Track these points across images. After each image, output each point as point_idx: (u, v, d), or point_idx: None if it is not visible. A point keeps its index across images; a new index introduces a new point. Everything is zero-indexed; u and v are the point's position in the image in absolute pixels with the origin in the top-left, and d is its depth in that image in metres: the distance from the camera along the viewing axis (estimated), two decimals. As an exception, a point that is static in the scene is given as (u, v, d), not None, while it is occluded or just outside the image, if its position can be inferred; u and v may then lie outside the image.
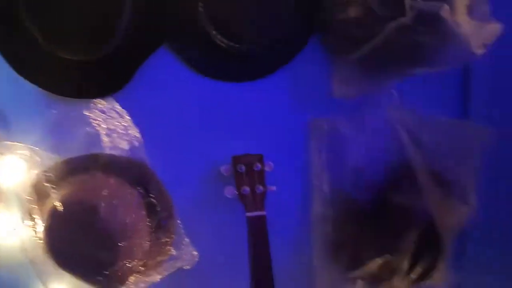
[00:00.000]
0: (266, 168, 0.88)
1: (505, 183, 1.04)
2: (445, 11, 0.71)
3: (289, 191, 0.96)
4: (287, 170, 0.95)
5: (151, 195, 0.80)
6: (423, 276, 0.95)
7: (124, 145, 0.80)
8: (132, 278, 0.77)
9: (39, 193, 0.75)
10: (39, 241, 0.75)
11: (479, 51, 0.76)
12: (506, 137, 0.97)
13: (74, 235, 0.72)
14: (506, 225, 1.05)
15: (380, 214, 0.94)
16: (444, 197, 0.95)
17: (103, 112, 0.81)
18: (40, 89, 0.81)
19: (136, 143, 0.80)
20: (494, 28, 0.81)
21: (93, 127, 0.81)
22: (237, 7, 0.83)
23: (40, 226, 0.73)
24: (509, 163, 1.02)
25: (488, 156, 0.94)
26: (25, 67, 0.80)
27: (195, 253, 0.86)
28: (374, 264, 0.92)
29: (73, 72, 0.81)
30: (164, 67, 0.88)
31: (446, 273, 0.97)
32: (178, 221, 0.86)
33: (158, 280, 0.82)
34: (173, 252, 0.84)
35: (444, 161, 0.96)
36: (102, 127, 0.80)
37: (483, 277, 1.06)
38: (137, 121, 0.83)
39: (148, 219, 0.78)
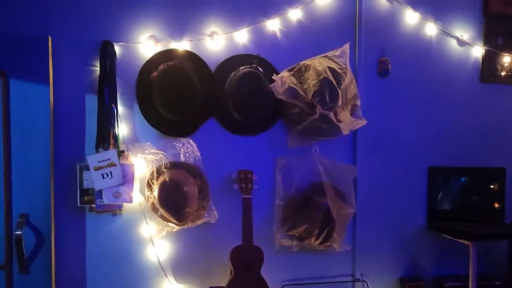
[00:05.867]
0: (253, 178, 1.87)
1: (369, 196, 2.06)
2: (331, 115, 1.75)
3: (264, 191, 1.96)
4: (264, 181, 1.96)
5: (200, 182, 1.78)
6: (325, 239, 1.92)
7: (192, 159, 1.80)
8: (190, 219, 1.74)
9: (157, 173, 1.73)
10: (153, 197, 1.72)
11: (346, 132, 1.81)
12: (368, 173, 2.02)
13: (169, 194, 1.69)
14: (373, 215, 2.07)
15: (306, 204, 1.93)
16: (339, 200, 1.95)
17: (183, 143, 1.81)
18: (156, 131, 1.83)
19: (197, 158, 1.81)
20: (360, 123, 1.88)
21: (177, 149, 1.81)
22: (246, 104, 1.86)
23: (155, 190, 1.71)
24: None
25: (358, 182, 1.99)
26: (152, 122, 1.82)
27: (216, 213, 1.83)
28: (301, 229, 1.90)
29: (172, 124, 1.82)
30: (211, 127, 1.91)
31: (339, 241, 1.96)
32: (210, 198, 1.83)
33: (200, 223, 1.79)
34: (207, 211, 1.82)
35: (339, 182, 1.98)
36: (182, 150, 1.80)
37: (368, 245, 2.07)
38: (199, 148, 1.84)
39: (198, 193, 1.76)
